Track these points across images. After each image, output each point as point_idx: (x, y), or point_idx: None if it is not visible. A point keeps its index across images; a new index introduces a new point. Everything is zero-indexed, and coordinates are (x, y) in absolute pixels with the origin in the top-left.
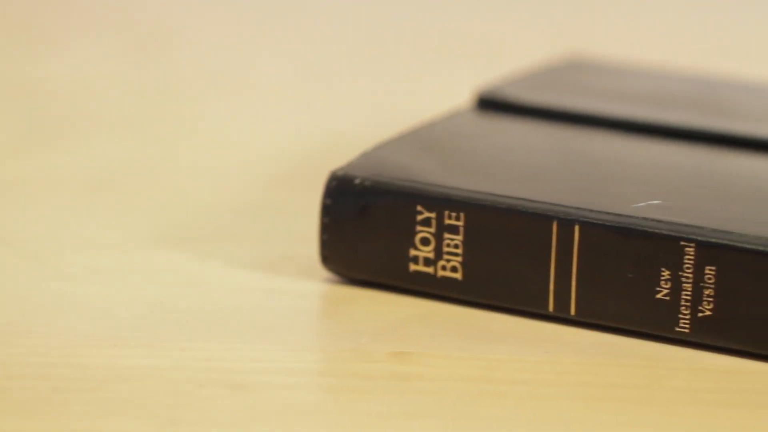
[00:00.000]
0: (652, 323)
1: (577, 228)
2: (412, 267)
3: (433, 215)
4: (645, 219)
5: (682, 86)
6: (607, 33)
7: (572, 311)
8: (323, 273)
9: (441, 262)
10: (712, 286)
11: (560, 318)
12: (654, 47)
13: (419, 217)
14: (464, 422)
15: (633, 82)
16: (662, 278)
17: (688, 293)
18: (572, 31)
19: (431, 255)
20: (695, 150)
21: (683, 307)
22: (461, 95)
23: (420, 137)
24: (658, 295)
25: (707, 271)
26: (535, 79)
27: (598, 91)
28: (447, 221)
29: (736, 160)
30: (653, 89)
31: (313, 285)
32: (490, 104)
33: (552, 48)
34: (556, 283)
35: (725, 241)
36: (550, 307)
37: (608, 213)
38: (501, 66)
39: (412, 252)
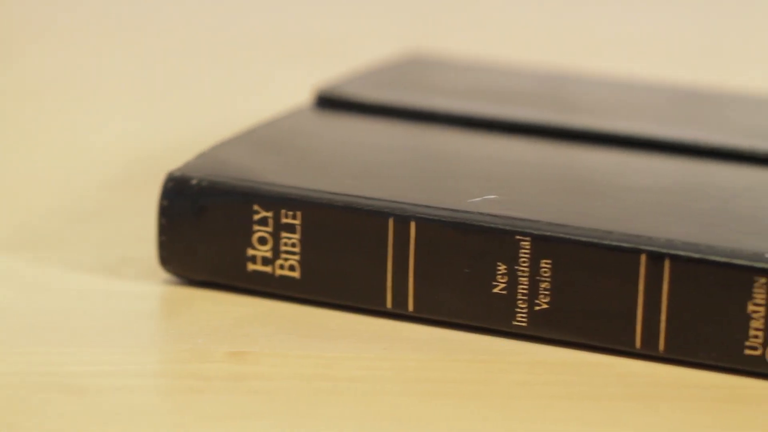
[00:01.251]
0: (489, 318)
1: (413, 224)
2: (250, 266)
3: (269, 214)
4: (480, 214)
5: (526, 82)
6: (451, 30)
7: (410, 307)
8: (162, 275)
9: (279, 261)
10: (548, 279)
11: (398, 314)
12: (499, 44)
13: (256, 217)
14: (300, 420)
15: (476, 78)
16: (498, 273)
17: (525, 287)
18: (416, 29)
19: (269, 254)
20: (536, 145)
21: (520, 301)
22: (303, 94)
23: (258, 137)
24: (495, 290)
25: (543, 265)
26: (374, 76)
27: (440, 88)
28: (284, 220)
29: (576, 154)
30: (497, 85)
31: (152, 287)
32: (330, 102)
33: (395, 45)
34: (393, 279)
35: (560, 234)
36: (388, 304)
37: (444, 209)
38: (344, 64)
39: (250, 251)
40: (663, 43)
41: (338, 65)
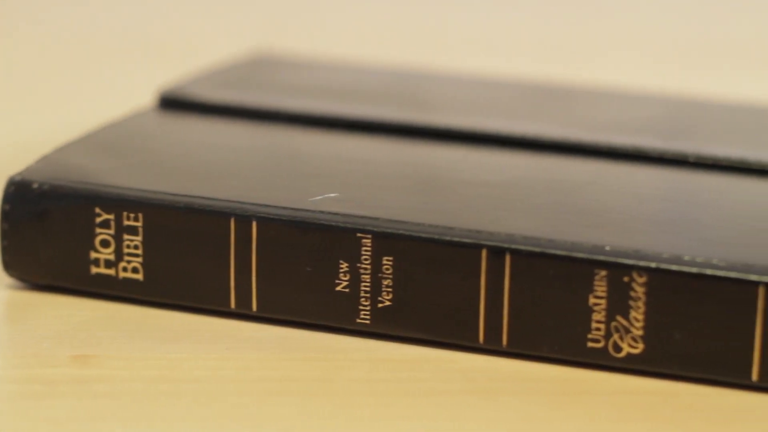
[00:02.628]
0: (332, 316)
1: (254, 224)
2: (94, 269)
3: (111, 217)
4: (321, 212)
5: (375, 80)
6: (300, 29)
7: (254, 307)
8: (6, 279)
9: (122, 264)
10: (390, 276)
11: (242, 314)
12: (349, 42)
13: (98, 219)
14: (142, 423)
15: (324, 77)
16: (341, 271)
17: (367, 284)
18: (264, 28)
19: (112, 257)
20: (383, 142)
21: (363, 299)
22: (147, 95)
23: (99, 139)
24: (338, 288)
25: (385, 262)
26: (219, 76)
27: (286, 87)
28: (126, 222)
29: (423, 151)
30: (345, 83)
31: None
32: (173, 103)
33: (242, 45)
34: (236, 279)
35: (401, 231)
36: (232, 304)
37: (285, 208)
38: (190, 65)
39: (93, 254)
40: (512, 38)
41: (184, 66)
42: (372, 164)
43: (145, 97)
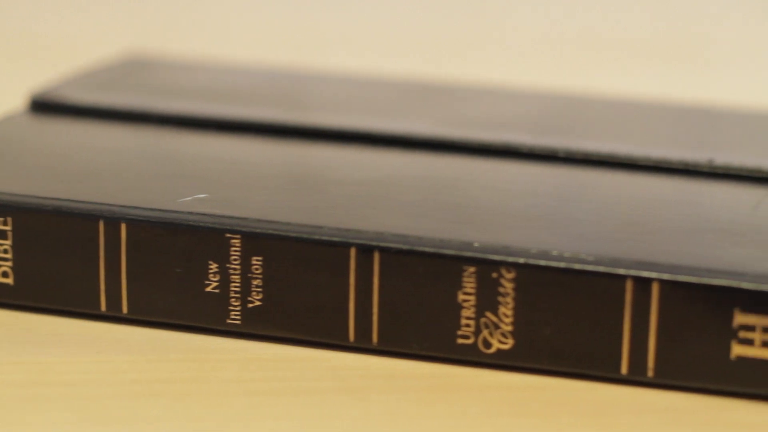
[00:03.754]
0: (203, 317)
1: (123, 226)
2: None
3: None
4: (190, 213)
5: (250, 80)
6: (176, 30)
7: (124, 309)
8: None
9: None
10: (260, 276)
11: (113, 317)
12: (228, 43)
13: None
14: (12, 428)
15: (198, 78)
16: (210, 271)
17: (237, 285)
18: (139, 30)
19: None
20: (258, 143)
21: (233, 299)
22: (19, 98)
23: None
24: (208, 289)
25: (254, 262)
26: (91, 78)
27: (161, 88)
28: None
29: (298, 151)
30: (220, 84)
31: None
32: (45, 106)
33: (117, 47)
34: (106, 282)
35: (270, 231)
36: (102, 307)
37: (153, 209)
38: (64, 67)
39: None
40: (387, 36)
41: (56, 68)
42: (244, 164)
43: (16, 100)
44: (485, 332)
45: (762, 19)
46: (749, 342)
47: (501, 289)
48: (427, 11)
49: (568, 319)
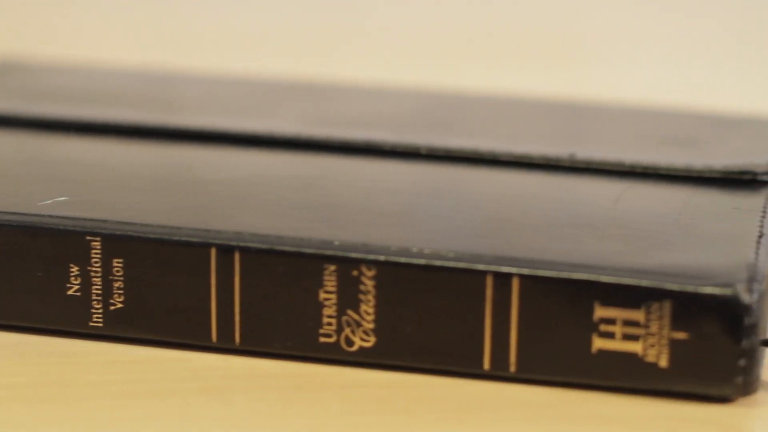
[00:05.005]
0: (65, 320)
1: None
2: None
3: None
4: (50, 216)
5: (119, 82)
6: (45, 34)
7: None
8: None
9: None
10: (121, 278)
11: None
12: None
13: None
14: None
15: (68, 81)
16: (72, 274)
17: (98, 288)
18: (7, 33)
19: None
20: (121, 144)
21: (95, 302)
22: None
23: None
24: (70, 292)
25: (115, 264)
26: None
27: (27, 92)
28: None
29: (162, 152)
30: (90, 87)
31: None
32: None
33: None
34: None
35: (130, 233)
36: None
37: (14, 213)
38: None
39: None
40: (265, 37)
41: None
42: (107, 166)
43: None
44: (347, 330)
45: (631, 17)
46: (610, 335)
47: (362, 287)
48: (296, 10)
49: (430, 315)
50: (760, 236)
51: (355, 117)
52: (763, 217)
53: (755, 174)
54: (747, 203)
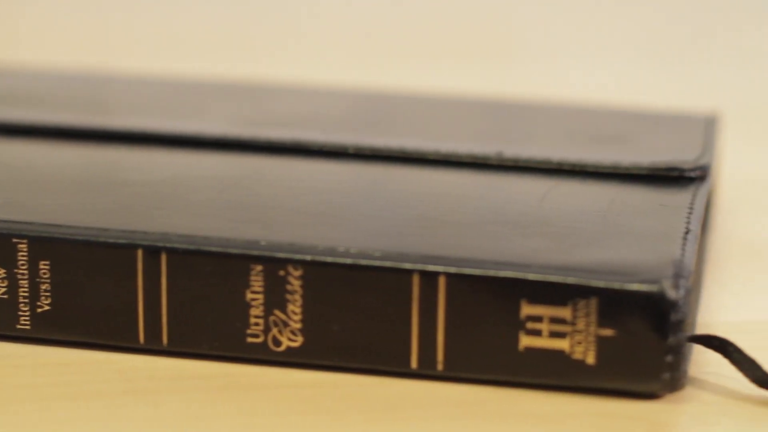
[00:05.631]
0: None
1: None
2: None
3: None
4: None
5: (45, 83)
6: None
7: None
8: None
9: None
10: (48, 281)
11: None
12: (33, 47)
13: None
14: None
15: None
16: None
17: (25, 290)
18: None
19: None
20: (47, 146)
21: (22, 305)
22: None
23: None
24: None
25: (42, 266)
26: None
27: None
28: None
29: (87, 153)
30: (15, 89)
31: None
32: None
33: None
34: None
35: (56, 235)
36: None
37: None
38: None
39: None
40: (196, 37)
41: None
42: (33, 168)
43: None
44: (274, 330)
45: (560, 16)
46: (537, 333)
47: (289, 287)
48: (226, 10)
49: (357, 315)
50: (687, 232)
51: (284, 117)
52: (690, 213)
53: (682, 170)
54: (674, 200)
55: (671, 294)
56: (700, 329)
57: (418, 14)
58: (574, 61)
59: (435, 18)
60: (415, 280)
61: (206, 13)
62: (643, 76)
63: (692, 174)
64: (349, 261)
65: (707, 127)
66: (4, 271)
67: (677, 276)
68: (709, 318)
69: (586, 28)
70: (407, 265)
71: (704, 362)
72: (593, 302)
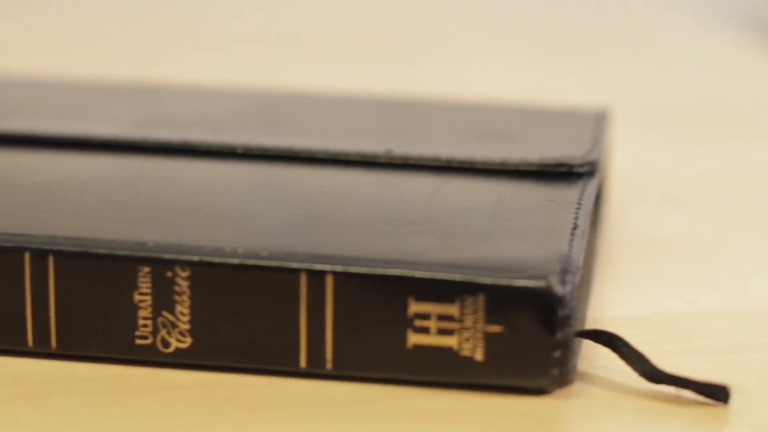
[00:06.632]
0: None
1: None
2: None
3: None
4: None
5: None
6: None
7: None
8: None
9: None
10: None
11: None
12: None
13: None
14: None
15: None
16: None
17: None
18: None
19: None
20: None
21: None
22: None
23: None
24: None
25: None
26: None
27: None
28: None
29: None
30: None
31: None
32: None
33: None
34: None
35: None
36: None
37: None
38: None
39: None
40: (89, 38)
41: None
42: None
43: None
44: (163, 332)
45: (450, 15)
46: (425, 330)
47: (177, 288)
48: (119, 11)
49: (245, 315)
50: (575, 228)
51: (175, 118)
52: (578, 209)
53: (571, 166)
54: (562, 196)
55: (558, 289)
56: (591, 324)
57: (310, 14)
58: (466, 58)
59: (326, 17)
60: (303, 279)
61: (100, 15)
62: (535, 73)
63: (581, 170)
64: (236, 261)
65: (597, 123)
66: None
67: (564, 272)
68: (600, 313)
69: (478, 25)
70: (294, 265)
71: (594, 357)
72: (481, 299)
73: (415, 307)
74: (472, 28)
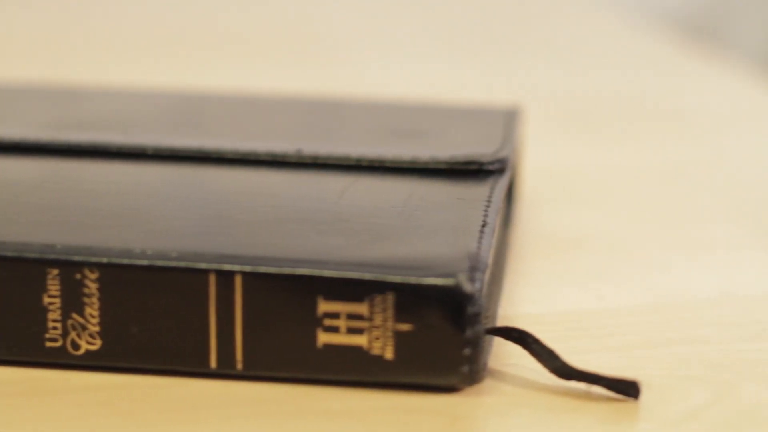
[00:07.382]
0: None
1: None
2: None
3: None
4: None
5: None
6: None
7: None
8: None
9: None
10: None
11: None
12: None
13: None
14: None
15: None
16: None
17: None
18: None
19: None
20: None
21: None
22: None
23: None
24: None
25: None
26: None
27: None
28: None
29: None
30: None
31: None
32: None
33: None
34: None
35: None
36: None
37: None
38: None
39: None
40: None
41: None
42: None
43: None
44: (73, 334)
45: (363, 15)
46: (334, 329)
47: (86, 290)
48: (35, 14)
49: (155, 316)
50: (484, 225)
51: (87, 119)
52: (488, 206)
53: (481, 164)
54: (472, 193)
55: (467, 287)
56: (502, 322)
57: (225, 15)
58: (377, 57)
59: (241, 17)
60: (212, 279)
61: (15, 16)
62: (446, 71)
63: (491, 167)
64: (145, 262)
65: (507, 120)
66: None
67: (473, 269)
68: (512, 310)
69: (389, 24)
70: (203, 265)
71: (505, 354)
72: (390, 297)
73: (324, 306)
74: (383, 26)
